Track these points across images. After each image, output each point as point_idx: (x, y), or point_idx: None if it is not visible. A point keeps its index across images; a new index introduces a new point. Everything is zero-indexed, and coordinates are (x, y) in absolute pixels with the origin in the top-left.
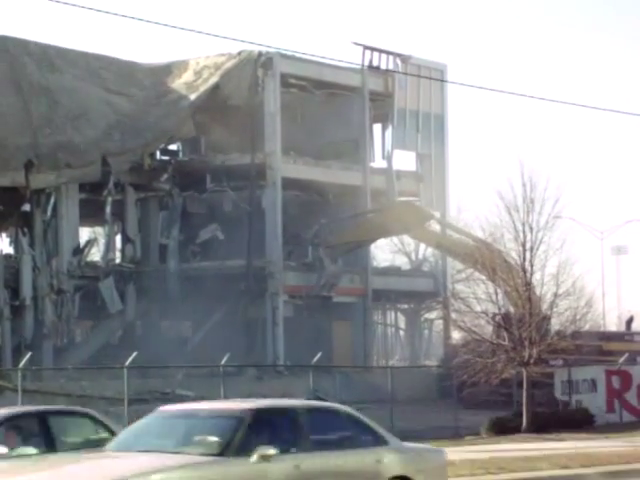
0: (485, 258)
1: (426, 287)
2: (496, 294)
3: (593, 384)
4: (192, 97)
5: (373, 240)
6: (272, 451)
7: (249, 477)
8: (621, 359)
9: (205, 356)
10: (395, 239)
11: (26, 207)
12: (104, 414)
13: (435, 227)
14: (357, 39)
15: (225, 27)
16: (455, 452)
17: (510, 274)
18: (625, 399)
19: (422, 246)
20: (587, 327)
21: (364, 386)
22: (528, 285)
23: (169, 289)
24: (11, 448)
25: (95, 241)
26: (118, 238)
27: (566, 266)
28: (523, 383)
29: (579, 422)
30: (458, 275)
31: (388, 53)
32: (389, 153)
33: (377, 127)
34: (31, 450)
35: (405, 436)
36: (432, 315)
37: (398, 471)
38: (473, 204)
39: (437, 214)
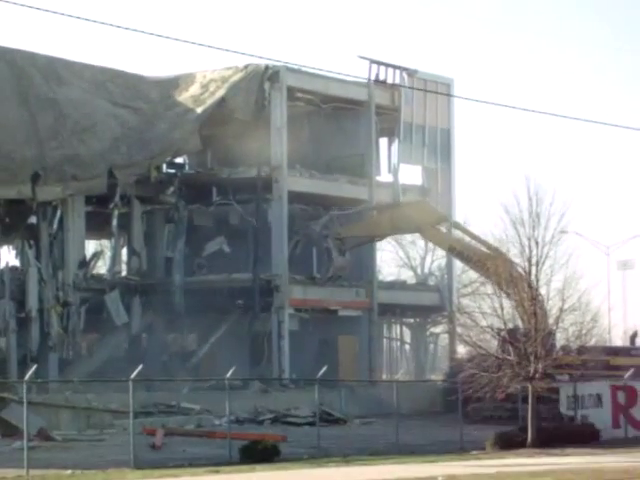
0: (498, 267)
1: (432, 301)
2: (502, 309)
3: (599, 399)
4: (199, 110)
5: (384, 236)
6: None
7: None
8: (626, 374)
9: (210, 369)
10: (401, 253)
11: (32, 219)
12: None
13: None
14: (364, 53)
15: (232, 41)
16: (460, 467)
17: (516, 288)
18: (631, 414)
19: (428, 260)
20: (593, 342)
21: (369, 400)
22: (534, 300)
23: (175, 302)
24: None
25: (101, 254)
26: (124, 251)
27: (572, 281)
28: (528, 398)
29: (584, 437)
30: (464, 289)
31: (395, 67)
32: (395, 167)
33: (383, 141)
34: None
35: (411, 450)
36: (437, 329)
37: None
38: (479, 218)
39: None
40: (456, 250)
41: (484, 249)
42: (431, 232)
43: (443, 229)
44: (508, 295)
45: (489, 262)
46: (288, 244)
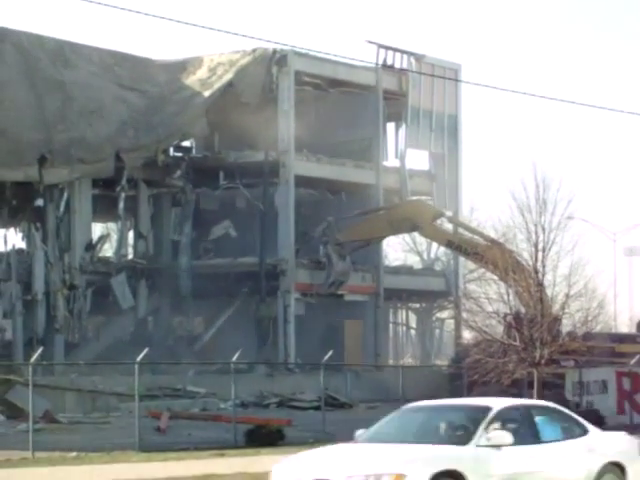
0: (496, 258)
1: (438, 286)
2: (508, 294)
3: (604, 385)
4: (206, 94)
5: (382, 238)
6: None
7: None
8: (632, 361)
9: (216, 353)
10: (407, 238)
11: (39, 202)
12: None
13: (447, 225)
14: (371, 38)
15: (240, 24)
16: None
17: (522, 275)
18: (635, 401)
19: (434, 245)
20: (599, 328)
21: (375, 385)
22: (540, 286)
23: (181, 286)
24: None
25: (108, 237)
26: (131, 234)
27: (578, 267)
28: (534, 384)
29: (589, 423)
30: (470, 275)
31: (402, 52)
32: (402, 152)
33: (391, 126)
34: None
35: None
36: (443, 314)
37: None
38: (486, 204)
39: (449, 213)
40: (454, 244)
41: (482, 241)
42: (428, 229)
43: (439, 224)
44: (510, 286)
45: (487, 254)
46: (296, 230)
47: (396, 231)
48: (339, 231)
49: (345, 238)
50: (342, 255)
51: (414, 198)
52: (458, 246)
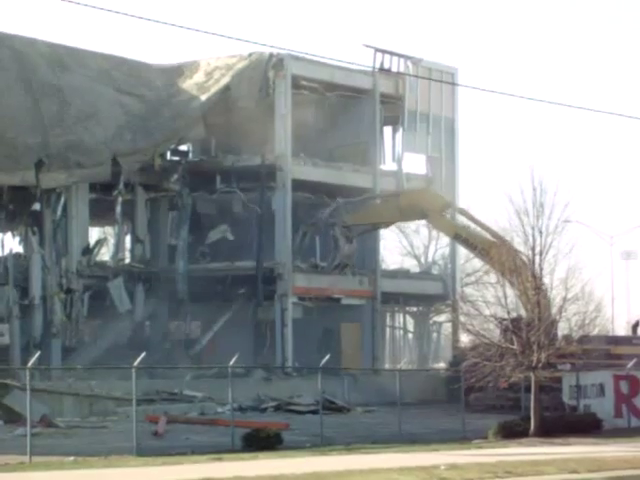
0: (501, 257)
1: (435, 290)
2: (505, 298)
3: (601, 389)
4: (203, 98)
5: (390, 223)
6: None
7: None
8: (629, 364)
9: (213, 357)
10: (404, 241)
11: (36, 206)
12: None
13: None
14: (368, 42)
15: (236, 28)
16: (463, 456)
17: (520, 277)
18: (633, 404)
19: (431, 249)
20: (596, 331)
21: (372, 389)
22: (537, 289)
23: (178, 290)
24: None
25: (105, 241)
26: (128, 238)
27: (575, 270)
28: (531, 387)
29: (587, 427)
30: (467, 278)
31: (399, 56)
32: (399, 155)
33: (387, 129)
34: None
35: (413, 439)
36: (441, 318)
37: None
38: (483, 208)
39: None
40: (461, 237)
41: (489, 237)
42: (437, 219)
43: (448, 216)
44: (512, 284)
45: (493, 250)
46: (294, 234)
47: (405, 218)
48: (347, 213)
49: (353, 221)
50: (349, 238)
51: (424, 186)
52: (465, 239)
